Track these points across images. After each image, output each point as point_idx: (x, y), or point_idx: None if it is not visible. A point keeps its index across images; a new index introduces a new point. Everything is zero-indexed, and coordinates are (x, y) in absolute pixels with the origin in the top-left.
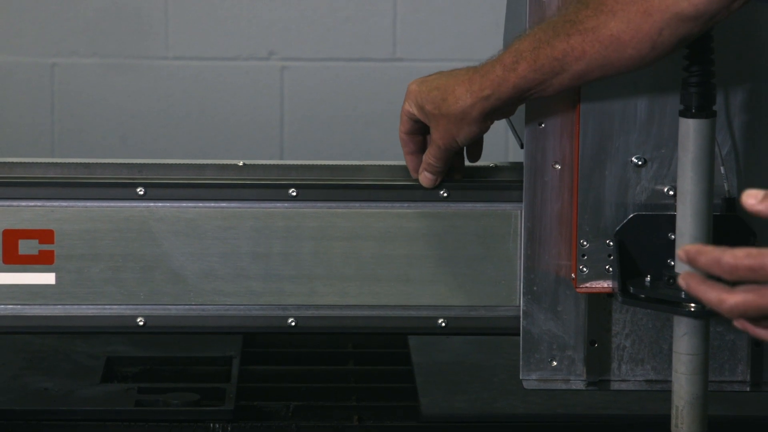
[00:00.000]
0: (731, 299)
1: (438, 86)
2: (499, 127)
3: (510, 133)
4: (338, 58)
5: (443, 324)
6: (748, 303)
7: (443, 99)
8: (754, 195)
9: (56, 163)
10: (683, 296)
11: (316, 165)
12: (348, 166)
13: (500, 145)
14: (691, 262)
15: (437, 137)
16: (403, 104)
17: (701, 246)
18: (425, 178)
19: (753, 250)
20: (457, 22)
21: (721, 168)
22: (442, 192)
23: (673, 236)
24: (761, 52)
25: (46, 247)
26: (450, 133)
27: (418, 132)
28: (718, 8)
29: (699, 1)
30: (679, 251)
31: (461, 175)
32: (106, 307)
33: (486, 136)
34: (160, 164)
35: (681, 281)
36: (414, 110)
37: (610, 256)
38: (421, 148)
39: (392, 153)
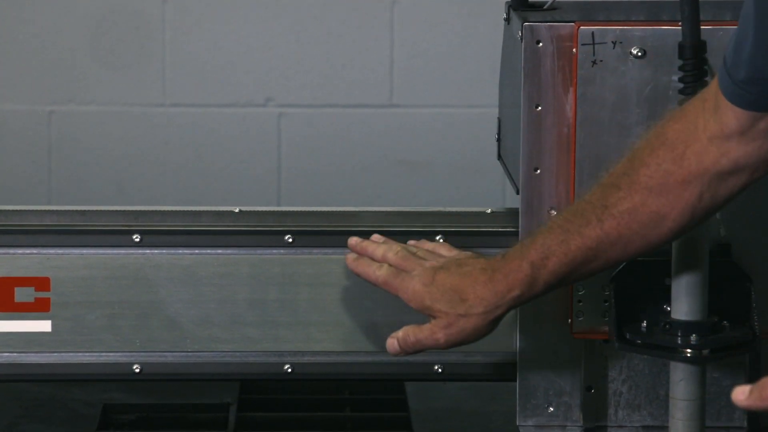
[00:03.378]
0: None
1: (452, 287)
2: (496, 173)
3: (506, 179)
4: (335, 105)
5: (439, 370)
6: None
7: (462, 300)
8: (742, 391)
9: (52, 210)
10: (679, 342)
11: (312, 211)
12: (344, 212)
13: (497, 191)
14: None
15: (442, 334)
16: (397, 285)
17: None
18: (393, 348)
19: None
20: (453, 69)
21: (717, 213)
22: (438, 238)
23: (669, 282)
24: None
25: (42, 294)
26: (463, 336)
27: None
28: (757, 159)
29: (737, 156)
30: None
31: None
32: (102, 354)
33: (482, 182)
34: (155, 211)
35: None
36: (412, 305)
37: (606, 302)
38: None
39: (388, 199)
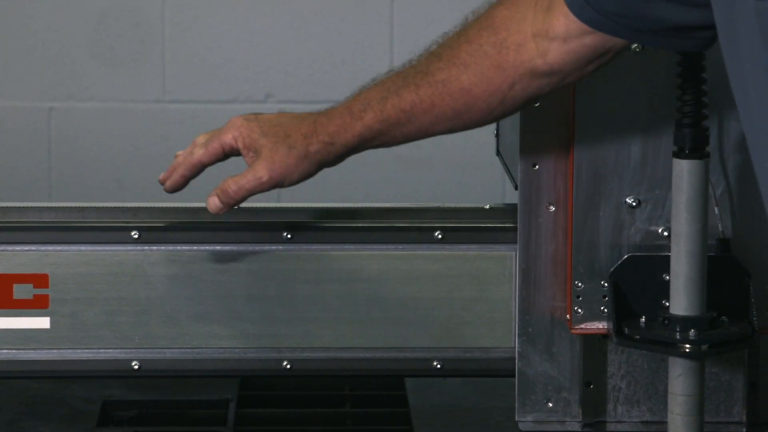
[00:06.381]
0: None
1: (279, 123)
2: (495, 168)
3: (505, 175)
4: (335, 100)
5: (438, 366)
6: None
7: (287, 135)
8: None
9: (50, 207)
10: (678, 337)
11: (311, 207)
12: (342, 208)
13: (495, 187)
14: None
15: (265, 170)
16: (219, 135)
17: None
18: (215, 205)
19: None
20: None
21: (716, 208)
22: (436, 234)
23: (667, 277)
24: None
25: (40, 291)
26: (287, 170)
27: (214, 163)
28: (572, 68)
29: (554, 60)
30: None
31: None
32: (101, 351)
33: (481, 178)
34: (154, 207)
35: None
36: (237, 143)
37: (604, 297)
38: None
39: (387, 195)
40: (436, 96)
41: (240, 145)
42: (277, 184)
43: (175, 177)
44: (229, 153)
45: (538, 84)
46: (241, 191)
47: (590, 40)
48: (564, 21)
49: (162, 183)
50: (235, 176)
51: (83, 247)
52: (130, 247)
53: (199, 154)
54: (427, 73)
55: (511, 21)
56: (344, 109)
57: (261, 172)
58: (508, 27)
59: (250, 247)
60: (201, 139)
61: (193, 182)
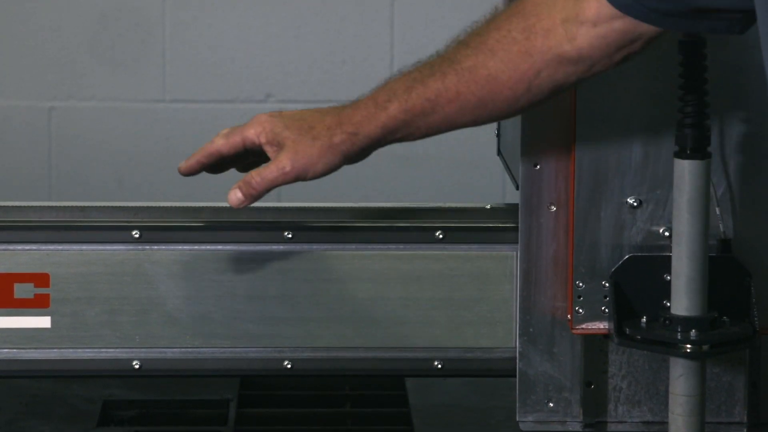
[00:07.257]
0: None
1: (303, 117)
2: (496, 168)
3: (506, 175)
4: (335, 100)
5: (439, 366)
6: None
7: (311, 127)
8: None
9: (52, 206)
10: (679, 337)
11: (312, 207)
12: (343, 208)
13: (496, 187)
14: None
15: (288, 161)
16: (242, 128)
17: None
18: (236, 198)
19: None
20: None
21: (717, 209)
22: (437, 234)
23: (668, 277)
24: (755, 93)
25: (41, 290)
26: (309, 161)
27: (236, 159)
28: (600, 55)
29: (581, 45)
30: None
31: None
32: (102, 350)
33: (481, 178)
34: (155, 207)
35: None
36: (259, 139)
37: (605, 297)
38: (222, 167)
39: (388, 195)
40: (461, 84)
41: (263, 140)
42: (300, 175)
43: (191, 161)
44: (249, 148)
45: (565, 71)
46: (264, 182)
47: (620, 24)
48: (596, 5)
49: (180, 170)
50: (259, 168)
51: (84, 247)
52: (131, 247)
53: (219, 143)
54: (453, 60)
55: (541, 7)
56: (369, 100)
57: (284, 162)
58: (537, 13)
59: (250, 247)
60: (224, 131)
61: (194, 182)
